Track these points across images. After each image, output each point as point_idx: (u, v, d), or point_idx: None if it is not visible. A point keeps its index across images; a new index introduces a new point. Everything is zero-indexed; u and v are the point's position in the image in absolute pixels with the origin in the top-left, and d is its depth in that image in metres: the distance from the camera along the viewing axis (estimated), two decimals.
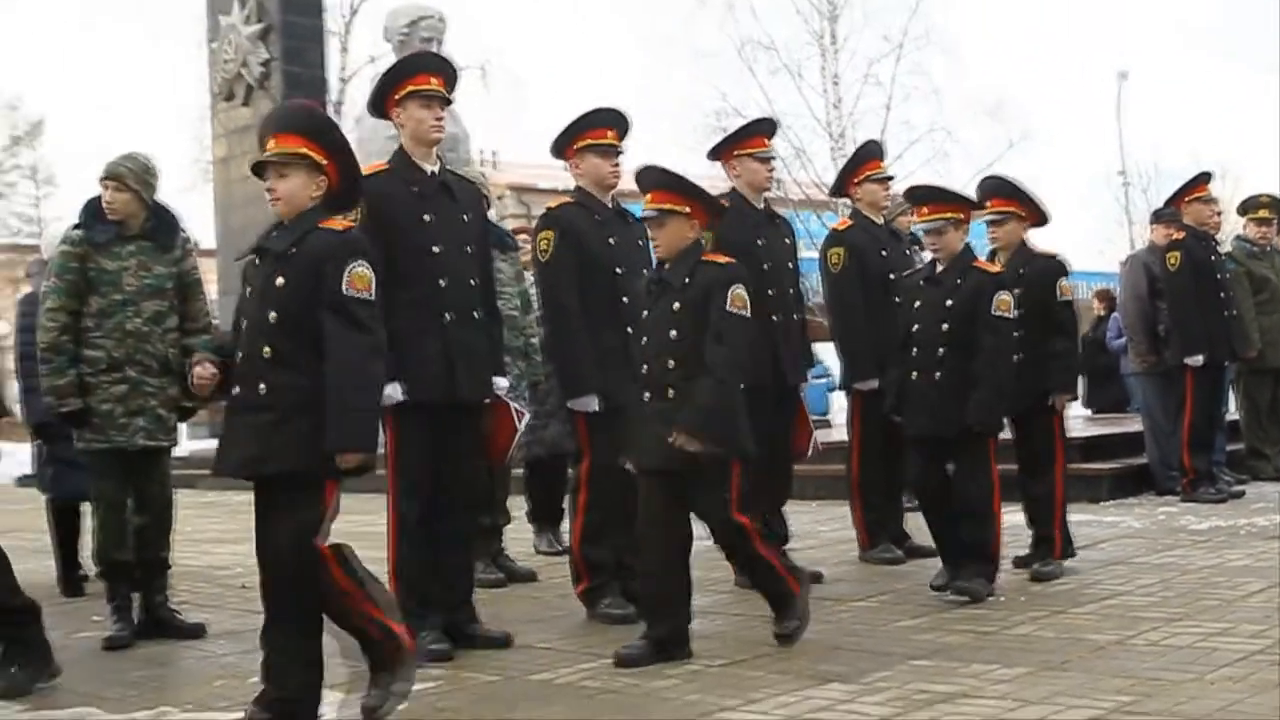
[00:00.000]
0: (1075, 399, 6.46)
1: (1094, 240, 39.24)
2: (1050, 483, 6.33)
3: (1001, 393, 5.77)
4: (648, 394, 4.90)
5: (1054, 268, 6.31)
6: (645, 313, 5.04)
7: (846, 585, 6.22)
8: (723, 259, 4.99)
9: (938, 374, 5.83)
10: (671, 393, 4.82)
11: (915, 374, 5.90)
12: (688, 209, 4.93)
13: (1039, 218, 6.37)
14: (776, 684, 4.31)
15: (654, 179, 4.98)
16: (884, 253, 7.04)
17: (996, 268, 6.08)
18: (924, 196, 6.04)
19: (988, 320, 5.73)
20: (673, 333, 4.86)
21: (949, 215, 5.84)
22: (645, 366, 4.94)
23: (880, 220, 7.21)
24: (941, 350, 5.83)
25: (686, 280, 4.88)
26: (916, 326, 5.94)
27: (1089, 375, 13.98)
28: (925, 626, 5.13)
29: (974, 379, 5.69)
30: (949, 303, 5.82)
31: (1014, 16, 63.58)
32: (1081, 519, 7.62)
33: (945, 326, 5.82)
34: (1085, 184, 66.07)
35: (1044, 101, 59.77)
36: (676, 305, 4.88)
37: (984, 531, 5.74)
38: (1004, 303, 5.76)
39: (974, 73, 59.35)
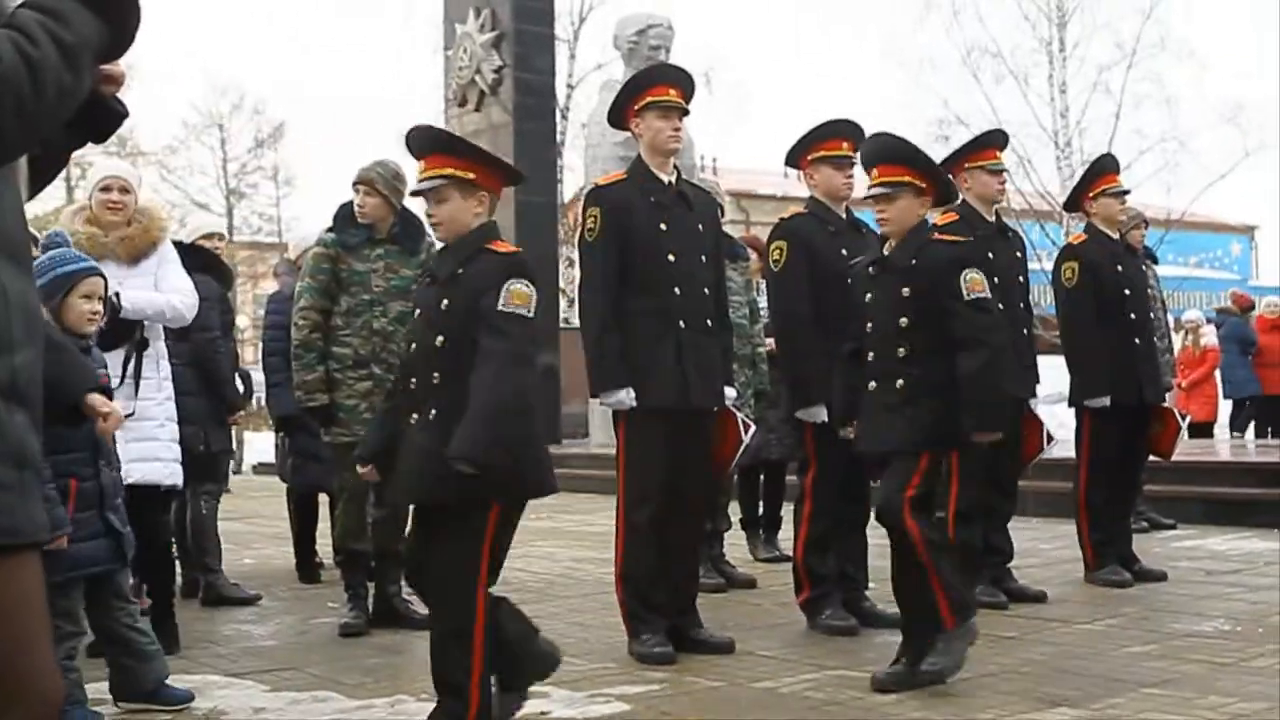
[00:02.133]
0: (999, 436, 4.79)
1: None
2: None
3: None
4: None
5: (955, 255, 4.77)
6: None
7: (1072, 607, 6.09)
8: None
9: None
10: None
11: None
12: None
13: (941, 192, 4.98)
14: (1003, 704, 4.25)
15: None
16: (1119, 268, 6.91)
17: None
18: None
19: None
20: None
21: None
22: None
23: (1115, 235, 7.06)
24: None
25: None
26: None
27: None
28: (1156, 654, 4.99)
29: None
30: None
31: (1259, 18, 61.10)
32: None
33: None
34: None
35: None
36: None
37: None
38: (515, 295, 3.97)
39: (1212, 78, 57.23)
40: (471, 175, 3.96)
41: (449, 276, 3.94)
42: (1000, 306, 6.17)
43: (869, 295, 4.84)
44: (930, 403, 4.62)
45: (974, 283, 4.64)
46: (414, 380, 3.92)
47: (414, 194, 4.12)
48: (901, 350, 4.68)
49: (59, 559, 3.99)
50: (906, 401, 4.64)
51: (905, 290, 4.70)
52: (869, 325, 4.82)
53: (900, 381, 4.66)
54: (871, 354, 4.79)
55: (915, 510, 4.57)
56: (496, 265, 3.87)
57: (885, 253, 4.84)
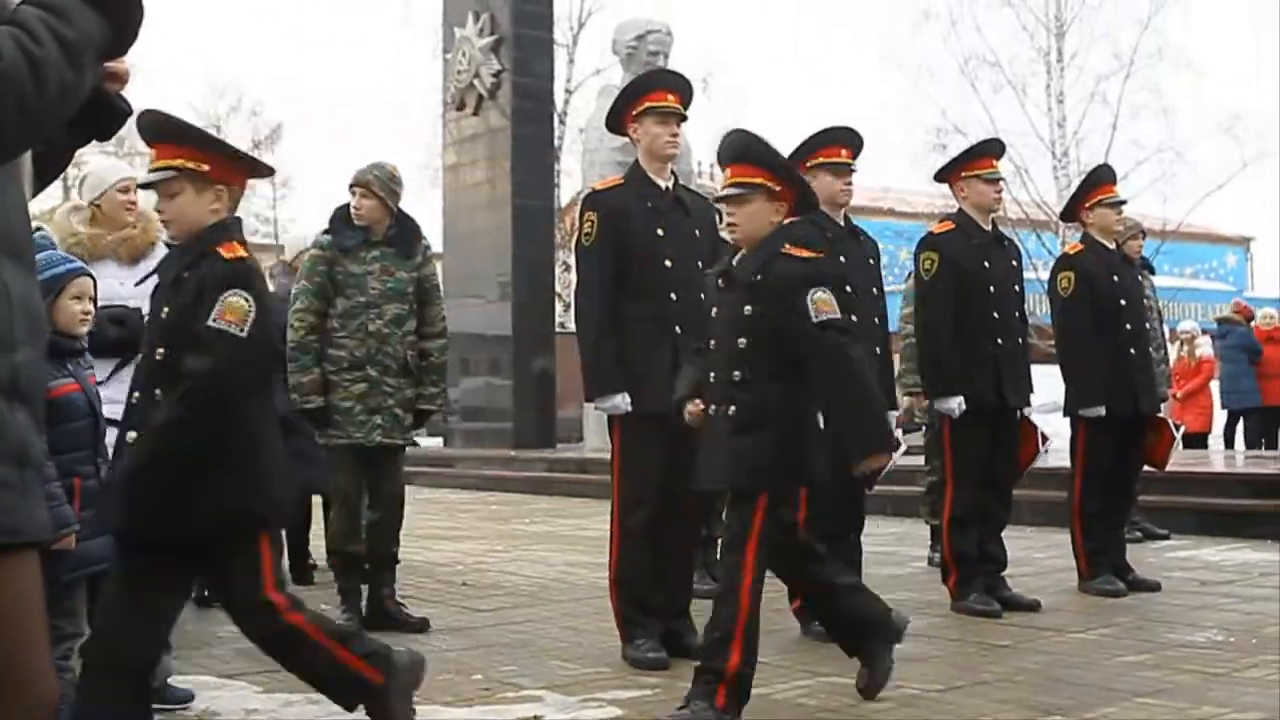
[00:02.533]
0: (888, 458, 4.37)
1: None
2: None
3: None
4: None
5: (803, 273, 4.16)
6: None
7: (1065, 616, 6.08)
8: None
9: None
10: None
11: None
12: None
13: (800, 198, 4.43)
14: (996, 713, 4.25)
15: None
16: (1115, 278, 6.93)
17: None
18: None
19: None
20: None
21: None
22: None
23: (1112, 245, 7.08)
24: None
25: None
26: None
27: None
28: (1150, 663, 4.99)
29: None
30: None
31: (1257, 25, 61.26)
32: None
33: None
34: None
35: None
36: None
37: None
38: None
39: (1210, 86, 57.33)
40: (205, 167, 3.62)
41: (172, 281, 3.63)
42: (995, 315, 6.27)
43: (714, 310, 4.38)
44: (764, 435, 4.12)
45: (821, 303, 4.07)
46: (135, 396, 3.64)
47: (142, 186, 3.76)
48: (738, 374, 4.18)
49: (66, 558, 4.00)
50: (736, 431, 4.15)
51: (747, 309, 4.19)
52: (711, 343, 4.35)
53: (733, 408, 4.17)
54: (711, 375, 4.30)
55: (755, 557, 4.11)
56: (218, 273, 3.54)
57: (734, 263, 4.33)
